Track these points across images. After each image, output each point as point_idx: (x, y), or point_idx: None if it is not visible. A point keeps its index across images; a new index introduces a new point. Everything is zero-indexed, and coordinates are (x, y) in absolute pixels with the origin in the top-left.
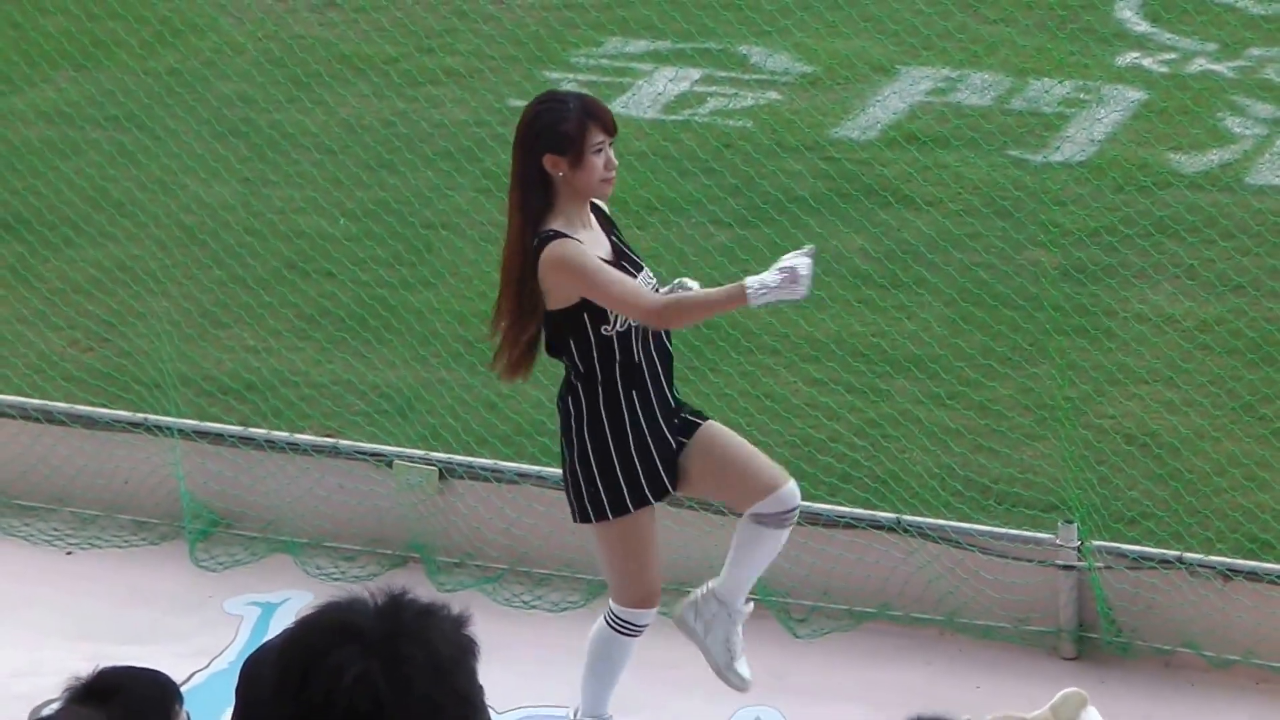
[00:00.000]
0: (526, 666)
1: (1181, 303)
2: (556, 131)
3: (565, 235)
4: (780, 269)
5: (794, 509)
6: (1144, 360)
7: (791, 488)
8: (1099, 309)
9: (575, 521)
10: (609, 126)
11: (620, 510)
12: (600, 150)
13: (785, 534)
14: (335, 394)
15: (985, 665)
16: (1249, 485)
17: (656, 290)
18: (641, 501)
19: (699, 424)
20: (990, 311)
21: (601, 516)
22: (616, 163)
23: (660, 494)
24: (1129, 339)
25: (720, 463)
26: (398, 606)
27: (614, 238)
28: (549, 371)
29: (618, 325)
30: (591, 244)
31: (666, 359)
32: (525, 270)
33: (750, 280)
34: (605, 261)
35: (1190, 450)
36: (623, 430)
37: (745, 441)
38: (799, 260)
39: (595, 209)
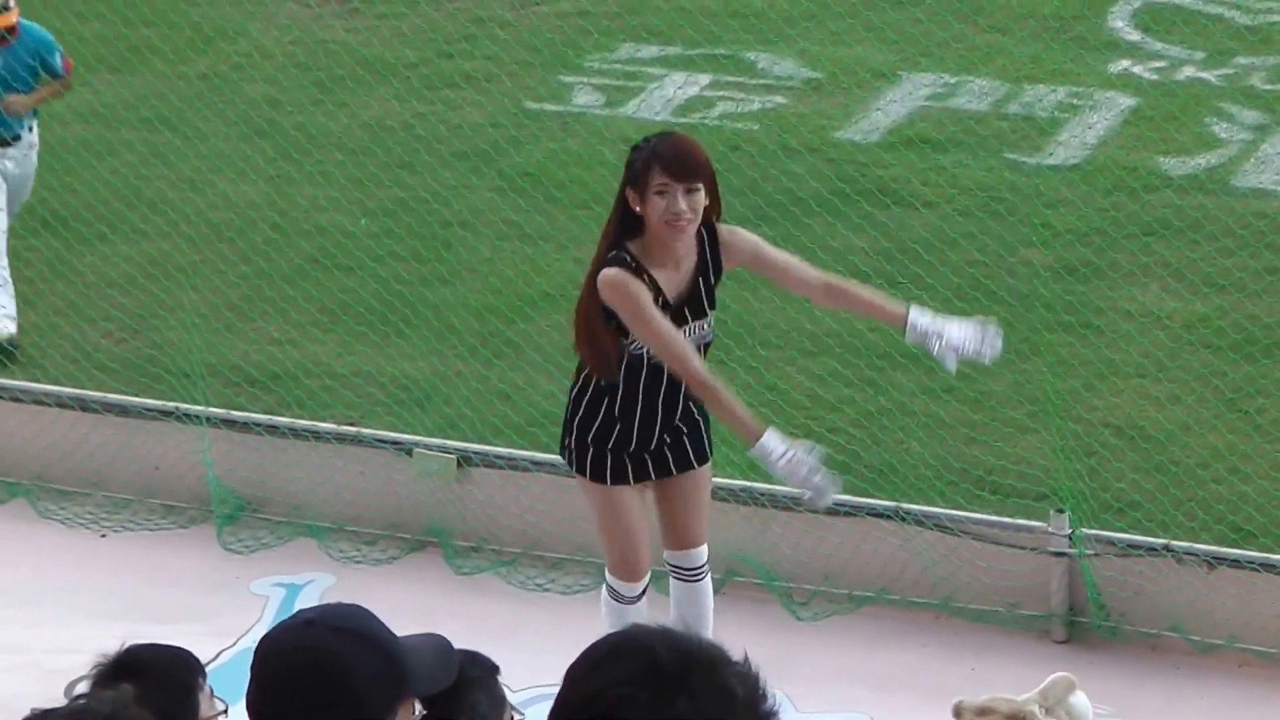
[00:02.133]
0: (539, 647)
1: (1168, 302)
2: (631, 167)
3: (626, 262)
4: (790, 458)
5: (696, 569)
6: (1132, 356)
7: (699, 552)
8: (1089, 307)
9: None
10: (674, 171)
11: (583, 472)
12: (663, 192)
13: (699, 587)
14: (356, 385)
15: (979, 648)
16: (1232, 478)
17: (699, 341)
18: (600, 479)
19: (693, 468)
20: (985, 309)
21: (580, 472)
22: (685, 211)
23: (619, 481)
24: (1117, 336)
25: (679, 505)
26: (697, 663)
27: (702, 281)
28: (562, 366)
29: (637, 347)
30: (663, 280)
31: (675, 386)
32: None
33: (768, 440)
34: (659, 301)
35: (1175, 443)
36: (610, 420)
37: (707, 501)
38: (808, 465)
39: (711, 244)
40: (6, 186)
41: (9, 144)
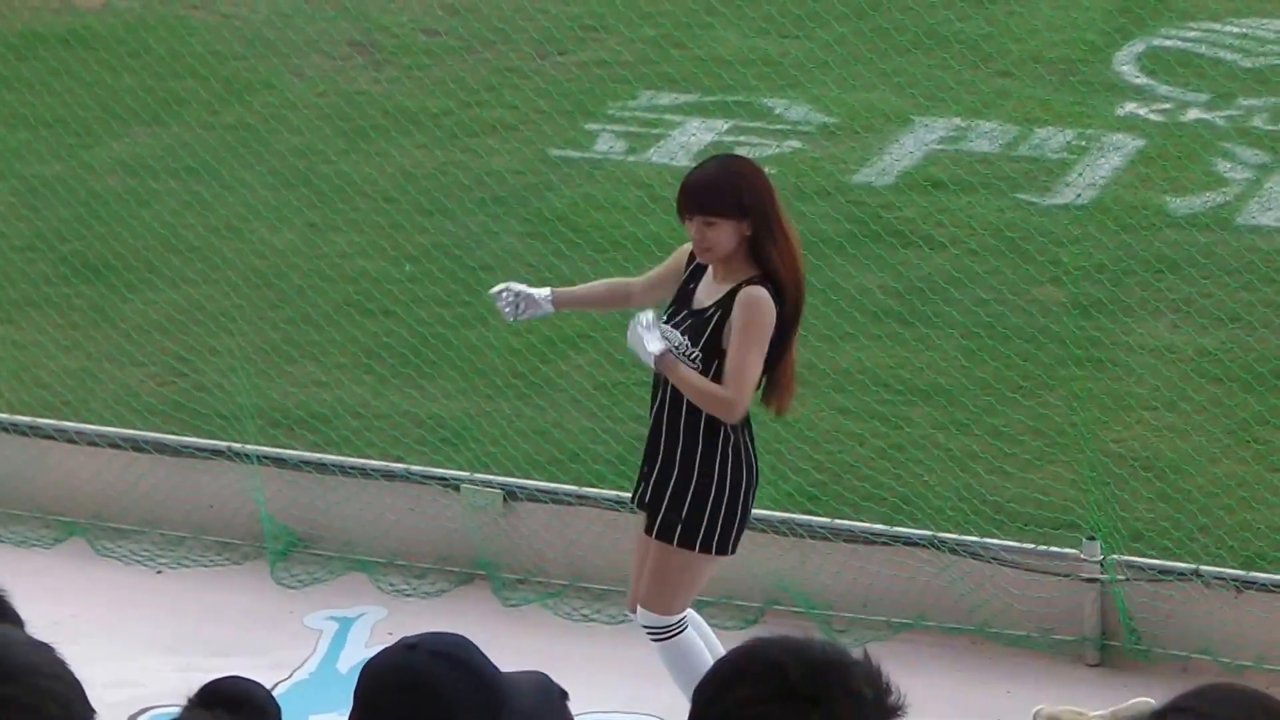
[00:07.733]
0: (586, 675)
1: (1176, 336)
2: None
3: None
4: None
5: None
6: (1143, 389)
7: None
8: (1100, 342)
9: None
10: (680, 205)
11: (723, 550)
12: (685, 223)
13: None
14: (397, 423)
15: (1015, 672)
16: (1257, 506)
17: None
18: (724, 549)
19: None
20: (1003, 343)
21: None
22: (699, 240)
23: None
24: (1128, 370)
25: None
26: (825, 674)
27: (716, 316)
28: (598, 401)
29: None
30: (703, 283)
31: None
32: None
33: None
34: (684, 287)
35: (1190, 473)
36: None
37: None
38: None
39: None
40: None
41: None
